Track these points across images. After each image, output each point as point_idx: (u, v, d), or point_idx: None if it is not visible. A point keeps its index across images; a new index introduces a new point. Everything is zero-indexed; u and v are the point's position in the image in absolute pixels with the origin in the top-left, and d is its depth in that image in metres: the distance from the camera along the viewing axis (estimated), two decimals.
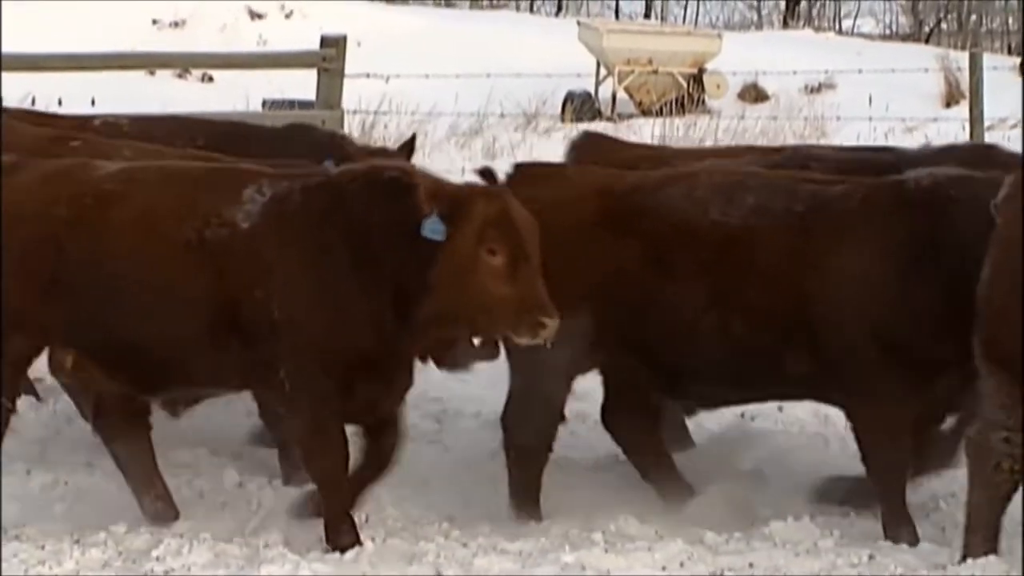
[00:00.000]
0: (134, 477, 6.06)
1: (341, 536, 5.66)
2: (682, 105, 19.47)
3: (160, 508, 6.00)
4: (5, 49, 11.45)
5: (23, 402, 7.33)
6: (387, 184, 5.69)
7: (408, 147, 7.51)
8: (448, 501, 6.27)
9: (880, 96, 17.99)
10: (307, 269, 5.63)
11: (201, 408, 7.43)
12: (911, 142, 15.18)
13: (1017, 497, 5.80)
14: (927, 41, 30.17)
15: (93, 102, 16.57)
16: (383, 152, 7.56)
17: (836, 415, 6.85)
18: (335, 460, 5.68)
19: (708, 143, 15.21)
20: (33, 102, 16.78)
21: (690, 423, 7.12)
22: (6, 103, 17.63)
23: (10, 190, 5.87)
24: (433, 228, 5.51)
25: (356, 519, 5.97)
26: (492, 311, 5.53)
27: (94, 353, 5.85)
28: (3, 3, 21.37)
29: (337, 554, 5.58)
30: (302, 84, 12.65)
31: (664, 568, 5.49)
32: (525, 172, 6.43)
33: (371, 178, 5.76)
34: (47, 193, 5.87)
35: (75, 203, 5.83)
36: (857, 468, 6.63)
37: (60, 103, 16.53)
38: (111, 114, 8.16)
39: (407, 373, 5.79)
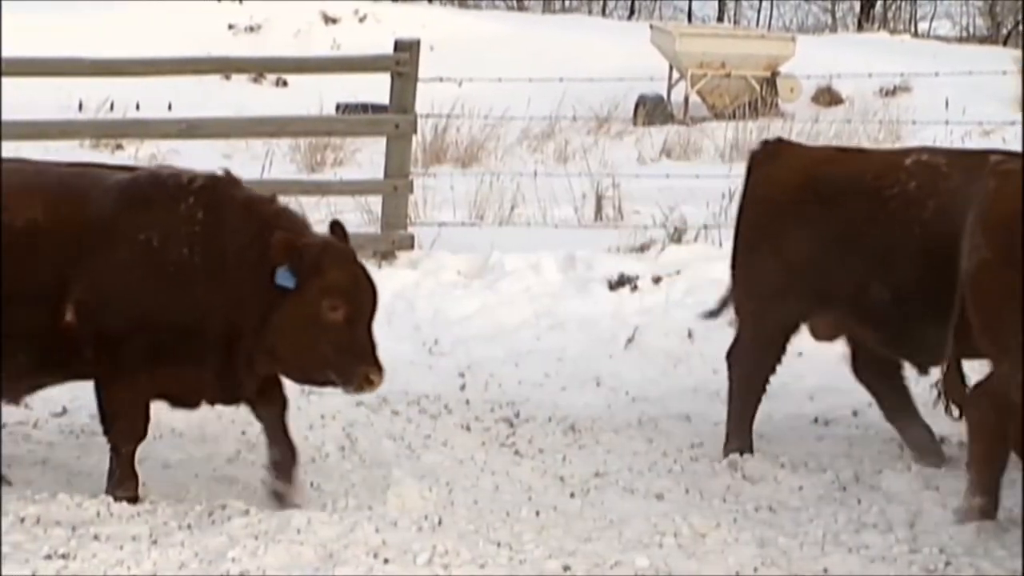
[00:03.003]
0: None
1: None
2: (755, 108, 19.38)
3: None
4: (85, 55, 11.62)
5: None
6: None
7: None
8: (520, 504, 6.28)
9: (957, 99, 17.81)
10: None
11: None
12: (989, 145, 15.04)
13: (1016, 493, 5.76)
14: (1005, 43, 29.88)
15: (170, 106, 16.76)
16: None
17: None
18: None
19: None
20: (112, 107, 17.03)
21: (761, 426, 7.11)
22: (86, 107, 17.86)
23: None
24: None
25: (427, 522, 6.02)
26: None
27: None
28: (82, 9, 21.67)
29: (410, 556, 5.60)
30: (376, 88, 12.72)
31: (737, 572, 5.48)
32: None
33: None
34: None
35: None
36: (930, 473, 6.61)
37: (138, 107, 16.74)
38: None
39: None
